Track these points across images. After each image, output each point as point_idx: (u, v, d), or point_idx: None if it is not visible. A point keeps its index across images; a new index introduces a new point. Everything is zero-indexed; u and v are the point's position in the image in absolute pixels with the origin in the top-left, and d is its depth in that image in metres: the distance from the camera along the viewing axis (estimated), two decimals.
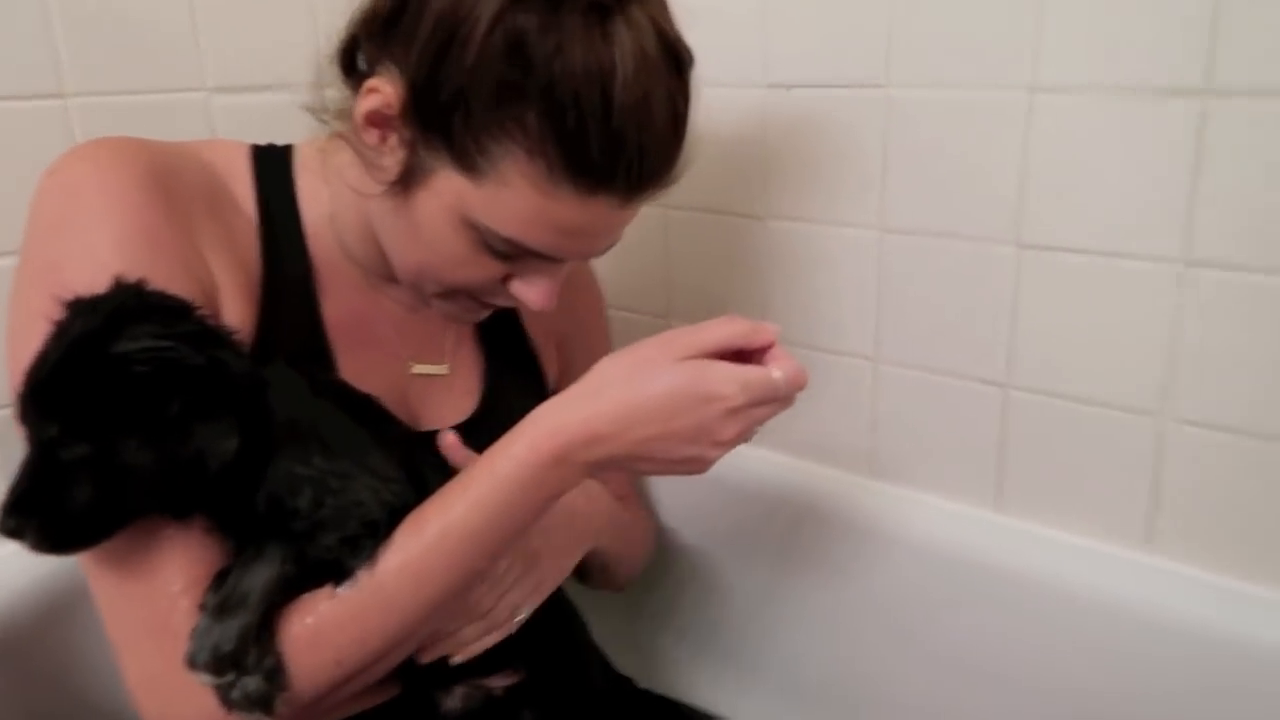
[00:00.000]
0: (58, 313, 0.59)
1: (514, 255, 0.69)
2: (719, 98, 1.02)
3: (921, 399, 0.96)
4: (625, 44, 0.62)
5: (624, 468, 0.67)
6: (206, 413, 0.58)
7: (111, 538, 0.60)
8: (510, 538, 0.67)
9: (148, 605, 0.61)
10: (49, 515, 0.57)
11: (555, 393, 0.79)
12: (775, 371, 0.66)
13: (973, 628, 0.92)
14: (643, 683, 1.02)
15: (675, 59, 0.66)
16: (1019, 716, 0.90)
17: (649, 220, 1.12)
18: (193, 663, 0.58)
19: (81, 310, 0.59)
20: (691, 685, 1.13)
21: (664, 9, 0.67)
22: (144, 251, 0.64)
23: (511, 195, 0.65)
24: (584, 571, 0.90)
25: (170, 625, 0.60)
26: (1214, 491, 0.81)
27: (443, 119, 0.63)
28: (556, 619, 0.84)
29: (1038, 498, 0.91)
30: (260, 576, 0.61)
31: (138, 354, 0.56)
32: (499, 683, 0.79)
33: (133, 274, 0.61)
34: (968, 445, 0.94)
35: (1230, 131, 0.74)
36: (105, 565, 0.62)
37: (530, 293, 0.73)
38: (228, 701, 0.59)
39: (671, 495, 1.12)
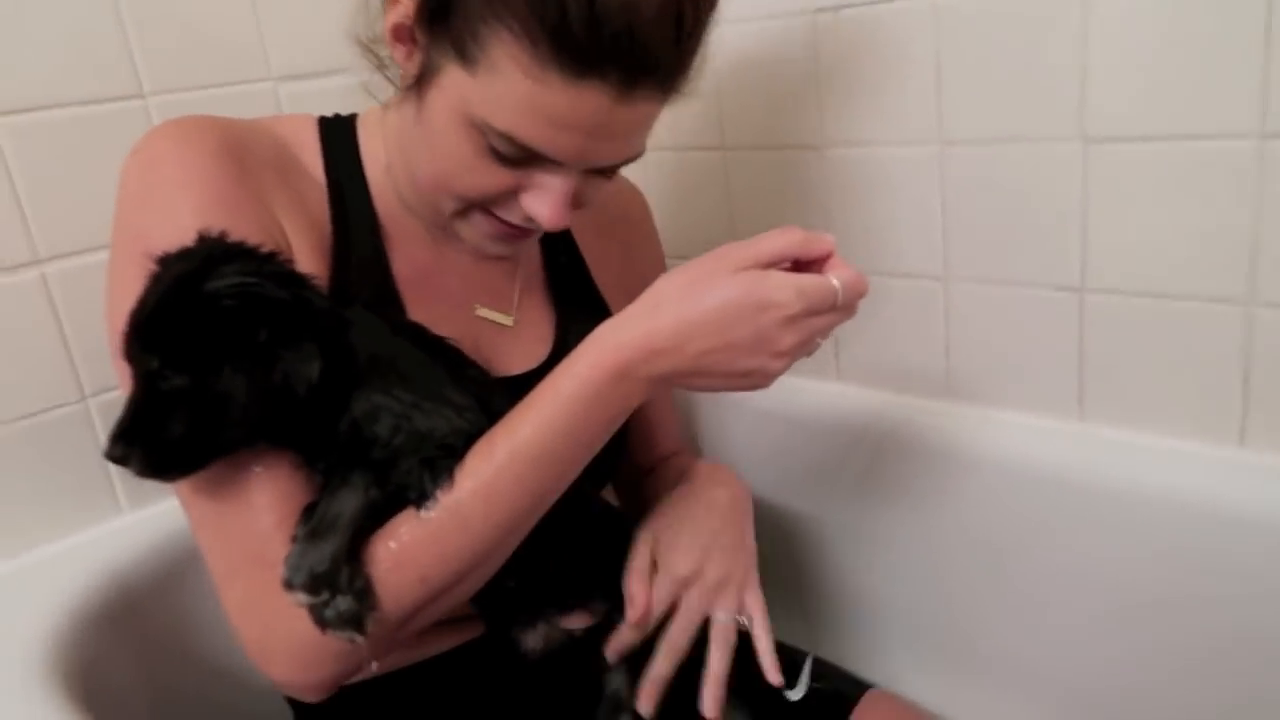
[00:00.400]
0: (150, 268, 0.64)
1: (517, 159, 0.68)
2: (769, 29, 1.01)
3: (995, 314, 0.93)
4: None
5: (686, 384, 0.68)
6: (291, 340, 0.62)
7: (208, 465, 0.64)
8: (579, 457, 0.69)
9: (244, 538, 0.65)
10: (151, 443, 0.61)
11: None
12: (833, 279, 0.66)
13: (1066, 545, 0.88)
14: None
15: None
16: (1119, 632, 0.86)
17: (708, 164, 1.12)
18: (289, 585, 0.61)
19: (175, 258, 0.64)
20: (784, 633, 1.12)
21: None
22: (221, 217, 0.68)
23: (503, 83, 0.64)
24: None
25: (265, 556, 0.64)
26: None
27: (444, 12, 0.66)
28: None
29: (1123, 403, 0.87)
30: (347, 502, 0.64)
31: (226, 290, 0.61)
32: (578, 623, 0.80)
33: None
34: (1046, 357, 0.90)
35: None
36: (203, 502, 0.67)
37: (537, 205, 0.70)
38: (322, 621, 0.61)
39: (749, 435, 1.12)
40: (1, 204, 0.88)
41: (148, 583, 0.92)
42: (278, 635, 0.64)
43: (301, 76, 1.07)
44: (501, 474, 0.66)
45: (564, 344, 0.87)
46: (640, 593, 0.76)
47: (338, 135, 0.80)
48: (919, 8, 0.89)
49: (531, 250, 0.90)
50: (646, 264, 0.98)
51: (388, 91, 0.79)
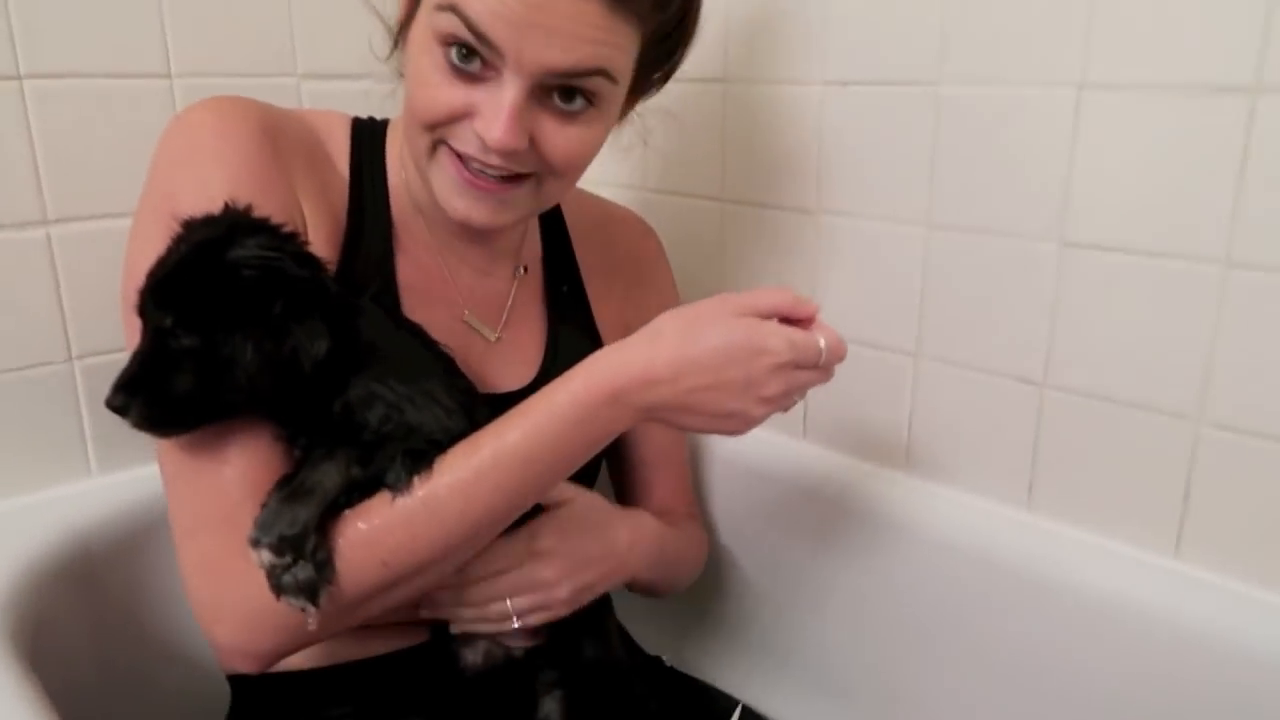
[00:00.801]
0: (174, 229, 0.67)
1: (467, 71, 0.70)
2: (780, 93, 1.05)
3: (959, 396, 0.96)
4: None
5: (672, 418, 0.71)
6: (303, 317, 0.66)
7: (202, 426, 0.67)
8: (558, 472, 0.72)
9: (215, 497, 0.68)
10: (153, 396, 0.64)
11: None
12: (819, 338, 0.71)
13: (1000, 626, 0.91)
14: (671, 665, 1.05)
15: None
16: (1040, 718, 0.89)
17: (707, 214, 1.15)
18: (255, 542, 0.63)
19: (200, 223, 0.67)
20: (720, 670, 1.14)
21: None
22: (250, 190, 0.72)
23: None
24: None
25: (233, 517, 0.66)
26: (1245, 499, 0.79)
27: None
28: None
29: (1070, 499, 0.90)
30: (328, 475, 0.67)
31: (248, 259, 0.65)
32: (520, 642, 0.82)
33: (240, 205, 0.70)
34: (1003, 443, 0.93)
35: (1278, 132, 0.73)
36: (181, 457, 0.69)
37: (483, 124, 0.70)
38: (278, 587, 0.63)
39: (714, 480, 1.15)
40: (19, 163, 0.91)
41: (107, 548, 0.93)
42: (231, 597, 0.67)
43: (325, 77, 1.10)
44: (483, 474, 0.69)
45: (549, 371, 0.89)
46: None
47: (367, 136, 0.85)
48: (922, 94, 0.93)
49: (534, 274, 0.92)
50: (650, 305, 0.97)
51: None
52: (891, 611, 1.00)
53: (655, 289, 1.02)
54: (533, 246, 0.94)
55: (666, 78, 0.83)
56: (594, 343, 0.95)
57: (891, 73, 0.95)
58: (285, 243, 0.68)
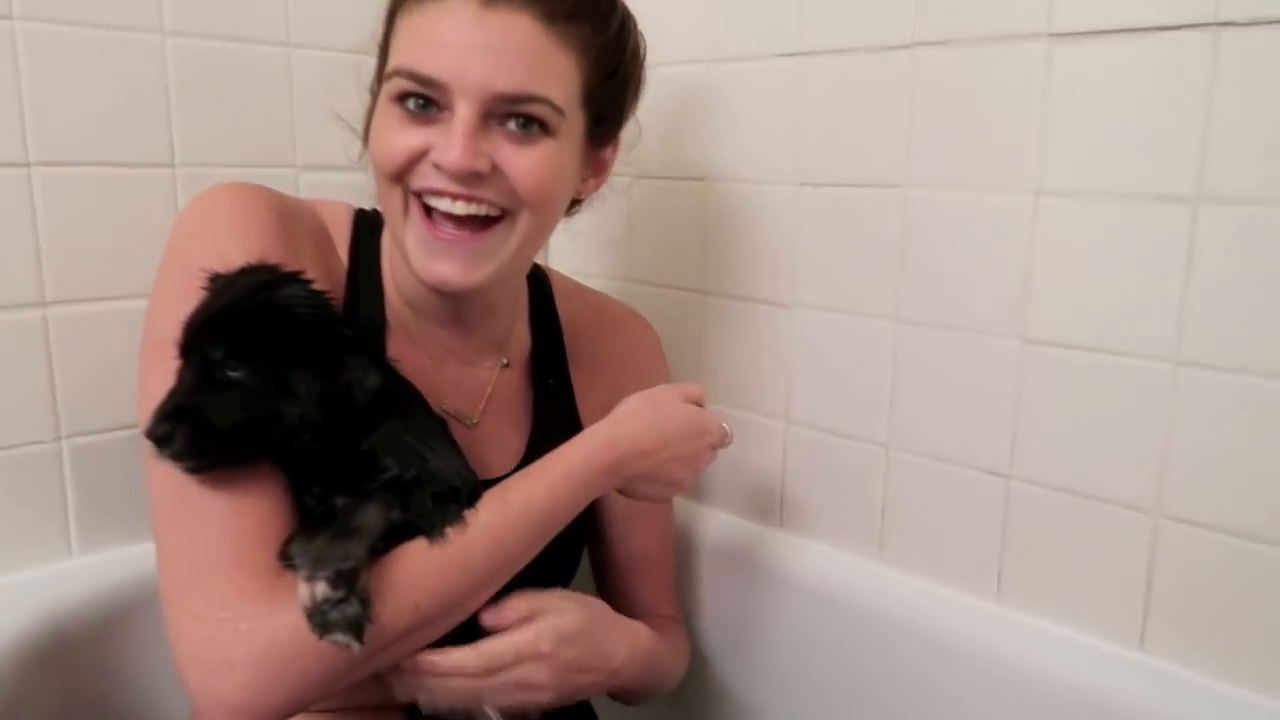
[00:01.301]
0: (199, 284, 0.71)
1: (419, 111, 0.75)
2: (755, 193, 1.10)
3: (929, 486, 0.98)
4: None
5: (641, 485, 0.84)
6: (354, 352, 0.71)
7: (235, 464, 0.68)
8: (560, 527, 0.79)
9: (225, 541, 0.67)
10: (199, 427, 0.65)
11: None
12: (727, 425, 0.89)
13: (967, 715, 0.91)
14: None
15: None
16: None
17: (686, 305, 1.19)
18: (310, 576, 0.63)
19: (240, 273, 0.71)
20: None
21: None
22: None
23: (399, 39, 0.77)
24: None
25: (248, 560, 0.66)
26: (1206, 592, 0.81)
27: (380, 53, 0.81)
28: None
29: (1036, 590, 0.91)
30: (371, 516, 0.68)
31: (302, 298, 0.70)
32: None
33: None
34: (972, 535, 0.95)
35: (1219, 236, 0.77)
36: (190, 501, 0.68)
37: (440, 152, 0.74)
38: (324, 623, 0.62)
39: (697, 569, 1.16)
40: (22, 247, 0.94)
41: (84, 630, 0.93)
42: (244, 645, 0.64)
43: (323, 168, 1.15)
44: (511, 524, 0.75)
45: (531, 456, 0.89)
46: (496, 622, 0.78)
47: (367, 228, 0.88)
48: (892, 196, 0.97)
49: (519, 366, 0.95)
50: None
51: None
52: (866, 702, 1.00)
53: (647, 386, 1.02)
54: (521, 340, 0.96)
55: (618, 123, 0.87)
56: (572, 435, 0.96)
57: (861, 176, 1.00)
58: (321, 294, 0.73)
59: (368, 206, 0.91)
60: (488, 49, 0.73)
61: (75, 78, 0.95)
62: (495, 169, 0.76)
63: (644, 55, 0.88)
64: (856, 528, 1.05)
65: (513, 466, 0.89)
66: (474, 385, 0.91)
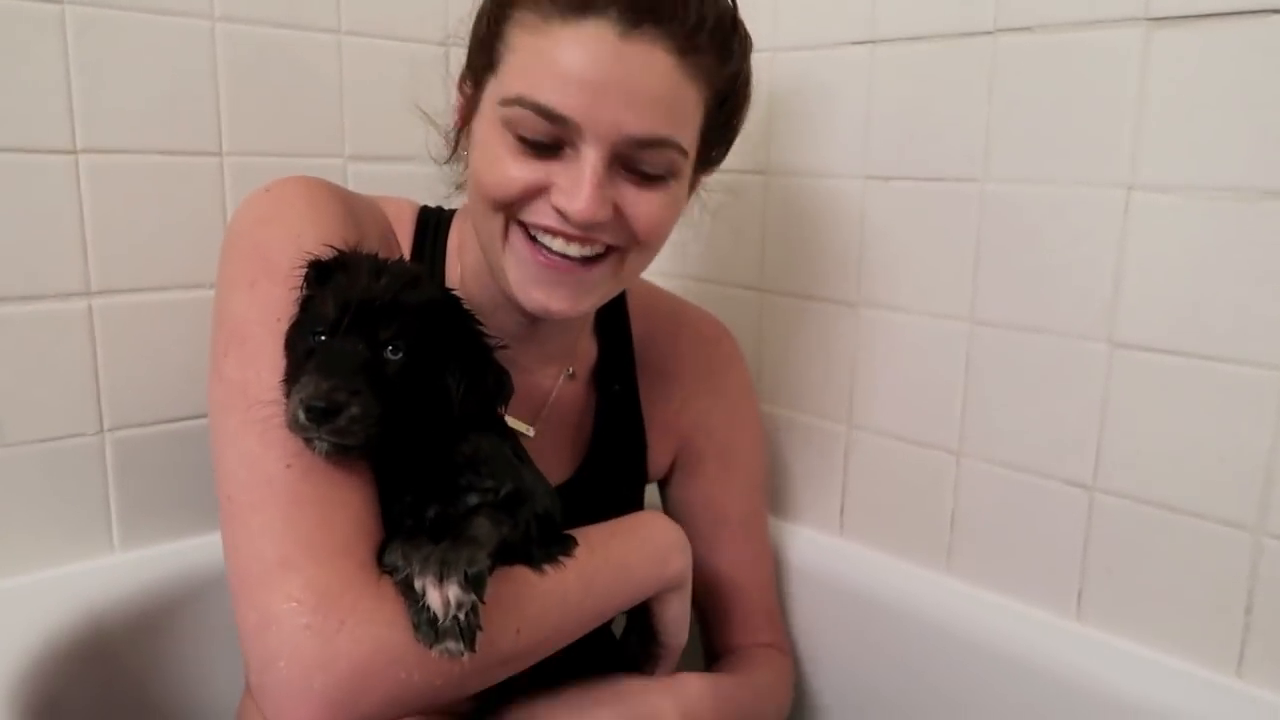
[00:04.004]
0: (273, 277, 0.69)
1: (541, 145, 0.70)
2: (819, 187, 1.05)
3: (1003, 497, 0.93)
4: None
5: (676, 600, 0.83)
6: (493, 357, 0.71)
7: (378, 446, 0.65)
8: (631, 592, 0.78)
9: (327, 529, 0.63)
10: (369, 401, 0.62)
11: (662, 483, 0.97)
12: None
13: None
14: None
15: None
16: None
17: (744, 303, 1.15)
18: (441, 577, 0.58)
19: (380, 260, 0.69)
20: None
21: None
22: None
23: (519, 57, 0.70)
24: None
25: (353, 551, 0.62)
26: None
27: (478, 47, 0.74)
28: None
29: (1122, 610, 0.86)
30: (485, 528, 0.65)
31: (460, 299, 0.70)
32: None
33: None
34: (1050, 549, 0.90)
35: None
36: (281, 483, 0.64)
37: (566, 197, 0.70)
38: (437, 631, 0.57)
39: None
40: (68, 236, 0.92)
41: (124, 628, 0.91)
42: (354, 638, 0.59)
43: (371, 159, 1.12)
44: (600, 571, 0.73)
45: (588, 469, 0.88)
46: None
47: (431, 228, 0.85)
48: (968, 190, 0.92)
49: (583, 374, 0.91)
50: (716, 416, 0.97)
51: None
52: (924, 716, 0.95)
53: (724, 398, 0.98)
54: (587, 349, 0.92)
55: (726, 148, 0.83)
56: (637, 446, 0.93)
57: (934, 169, 0.95)
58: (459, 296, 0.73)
59: (425, 201, 0.88)
60: (623, 88, 0.67)
61: (123, 64, 0.93)
62: (616, 211, 0.72)
63: (751, 71, 0.82)
64: (923, 538, 1.00)
65: (566, 478, 0.86)
66: (536, 395, 0.87)
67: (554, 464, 0.86)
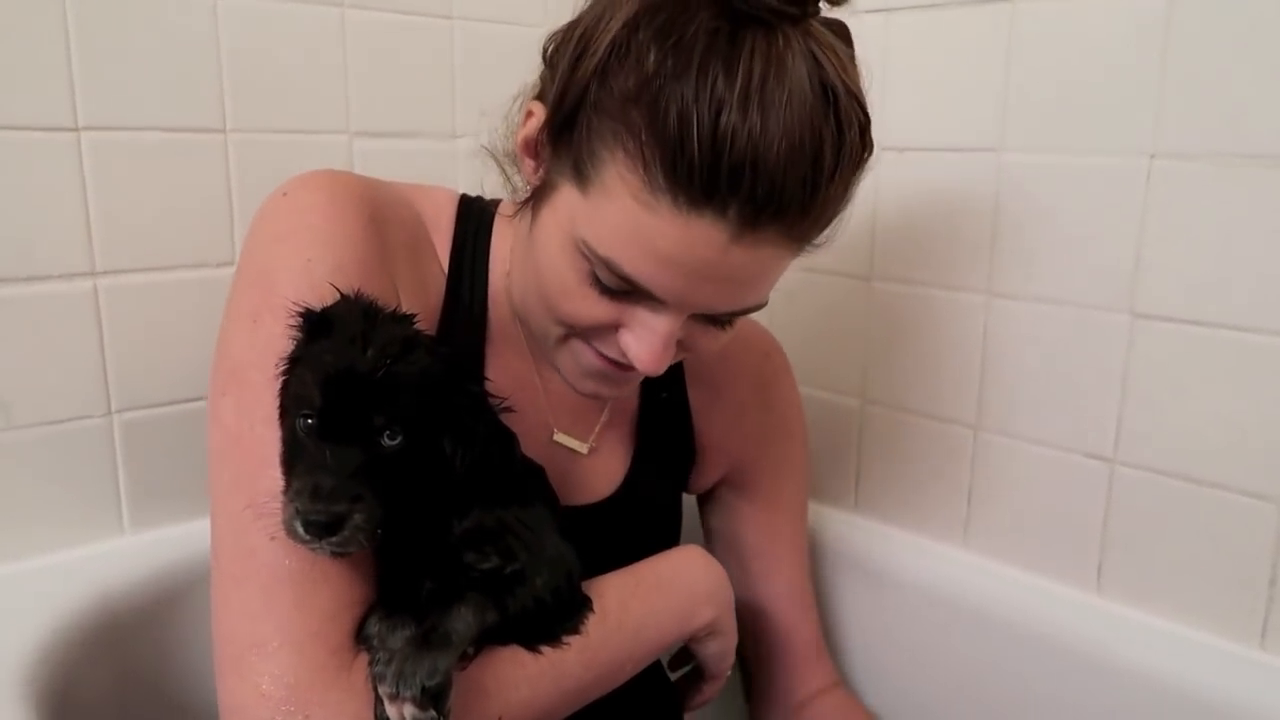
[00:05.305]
0: (273, 309, 0.63)
1: (618, 290, 0.64)
2: None
3: (1022, 470, 0.92)
4: (756, 60, 0.57)
5: (723, 640, 0.79)
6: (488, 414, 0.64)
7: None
8: (651, 649, 0.73)
9: (301, 611, 0.60)
10: (370, 501, 0.56)
11: (702, 495, 0.90)
12: None
13: (1068, 715, 0.86)
14: None
15: (827, 96, 0.59)
16: None
17: None
18: (394, 695, 0.56)
19: (364, 321, 0.61)
20: None
21: (837, 53, 0.62)
22: (354, 279, 0.66)
23: (611, 206, 0.61)
24: None
25: (324, 635, 0.59)
26: None
27: (568, 127, 0.63)
28: None
29: (1142, 582, 0.85)
30: (463, 620, 0.61)
31: (445, 358, 0.62)
32: None
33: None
34: (1069, 523, 0.89)
35: None
36: (263, 557, 0.60)
37: (635, 345, 0.65)
38: None
39: None
40: (71, 215, 0.90)
41: (137, 610, 0.90)
42: None
43: (377, 135, 1.10)
44: (605, 641, 0.68)
45: (632, 484, 0.83)
46: None
47: (473, 224, 0.78)
48: (984, 160, 0.91)
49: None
50: (770, 431, 0.92)
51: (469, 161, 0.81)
52: (953, 694, 0.95)
53: (776, 413, 0.94)
54: None
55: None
56: (685, 457, 0.89)
57: (950, 140, 0.93)
58: (453, 353, 0.66)
59: (429, 173, 0.86)
60: (721, 279, 0.62)
61: (125, 39, 0.91)
62: (679, 344, 0.68)
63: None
64: (939, 513, 0.99)
65: (610, 493, 0.82)
66: (586, 409, 0.82)
67: (599, 479, 0.82)
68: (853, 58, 0.65)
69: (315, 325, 0.61)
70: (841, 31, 0.65)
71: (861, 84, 0.63)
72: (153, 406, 0.97)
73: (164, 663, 0.94)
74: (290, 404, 0.61)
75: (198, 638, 0.95)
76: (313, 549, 0.58)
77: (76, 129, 0.89)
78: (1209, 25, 0.76)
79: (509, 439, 0.64)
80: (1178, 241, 0.80)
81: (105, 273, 0.93)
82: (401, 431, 0.58)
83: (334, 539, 0.56)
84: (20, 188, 0.87)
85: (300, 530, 0.56)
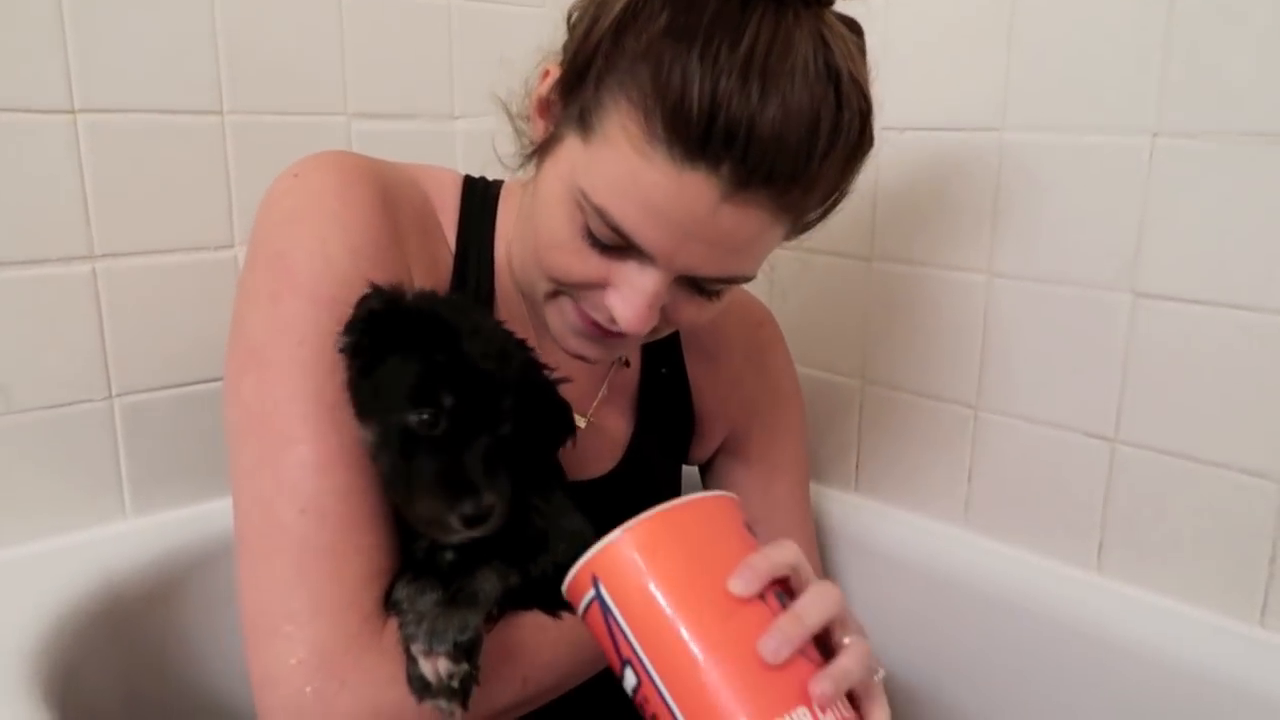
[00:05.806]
0: (294, 290, 0.65)
1: (609, 245, 0.65)
2: None
3: (1023, 450, 0.92)
4: (763, 30, 0.59)
5: None
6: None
7: None
8: None
9: (335, 581, 0.61)
10: (505, 486, 0.60)
11: (702, 466, 0.87)
12: None
13: (1070, 694, 0.86)
14: None
15: (830, 75, 0.61)
16: None
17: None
18: (427, 651, 0.57)
19: (461, 314, 0.65)
20: None
21: (846, 42, 0.64)
22: (369, 261, 0.67)
23: (610, 154, 0.62)
24: None
25: (358, 604, 0.61)
26: None
27: (579, 81, 0.65)
28: None
29: (1142, 560, 0.86)
30: (489, 582, 0.63)
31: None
32: None
33: (357, 279, 0.65)
34: (1069, 502, 0.89)
35: None
36: (291, 528, 0.62)
37: (619, 302, 0.66)
38: (424, 688, 0.57)
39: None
40: (68, 198, 0.90)
41: (141, 594, 0.90)
42: (354, 695, 0.59)
43: (374, 116, 1.10)
44: None
45: (633, 457, 0.84)
46: None
47: (478, 202, 0.80)
48: (986, 140, 0.91)
49: (631, 355, 0.87)
50: (761, 397, 0.93)
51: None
52: (953, 673, 0.96)
53: (769, 379, 0.95)
54: None
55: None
56: (684, 429, 0.90)
57: (950, 119, 0.93)
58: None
59: (426, 154, 0.86)
60: (710, 240, 0.63)
61: (121, 20, 0.90)
62: (663, 310, 0.69)
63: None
64: (940, 492, 1.00)
65: (611, 468, 0.83)
66: (587, 381, 0.83)
67: (600, 454, 0.83)
68: (862, 50, 0.66)
69: (390, 322, 0.63)
70: (854, 26, 0.67)
71: (868, 77, 0.65)
72: (153, 390, 0.97)
73: (167, 646, 0.94)
74: (390, 403, 0.62)
75: (201, 621, 0.96)
76: (451, 540, 0.61)
77: (73, 111, 0.89)
78: (1211, 2, 0.75)
79: (567, 410, 0.69)
80: (1180, 220, 0.80)
81: (104, 256, 0.92)
82: (513, 422, 0.62)
83: (482, 527, 0.59)
84: (17, 171, 0.87)
85: (457, 525, 0.59)
